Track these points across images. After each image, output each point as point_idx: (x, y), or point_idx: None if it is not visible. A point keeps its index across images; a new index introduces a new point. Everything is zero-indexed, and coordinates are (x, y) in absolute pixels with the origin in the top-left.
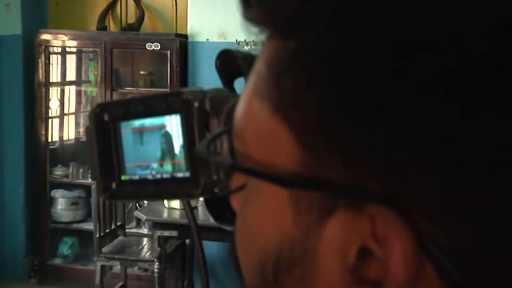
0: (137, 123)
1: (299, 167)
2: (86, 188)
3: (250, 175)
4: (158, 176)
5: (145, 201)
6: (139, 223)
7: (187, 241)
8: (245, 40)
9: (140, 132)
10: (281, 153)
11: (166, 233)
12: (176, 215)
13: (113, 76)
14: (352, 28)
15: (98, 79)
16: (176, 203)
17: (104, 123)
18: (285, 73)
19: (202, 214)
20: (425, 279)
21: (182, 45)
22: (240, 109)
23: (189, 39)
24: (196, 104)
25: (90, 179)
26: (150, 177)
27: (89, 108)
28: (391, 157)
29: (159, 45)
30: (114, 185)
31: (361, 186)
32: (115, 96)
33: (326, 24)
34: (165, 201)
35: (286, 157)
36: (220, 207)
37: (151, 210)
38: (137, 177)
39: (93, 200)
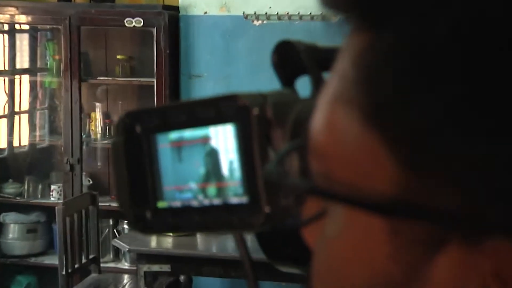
0: (175, 135)
1: (399, 191)
2: (47, 210)
3: (336, 200)
4: (206, 202)
5: (125, 226)
6: (118, 255)
7: (182, 277)
8: (255, 13)
9: (179, 147)
10: (375, 173)
11: (155, 267)
12: (168, 243)
13: (81, 62)
14: (478, 19)
15: (62, 66)
16: None
17: (136, 136)
18: (382, 73)
19: (202, 244)
20: None
21: (172, 20)
22: (319, 120)
23: (181, 13)
24: (255, 112)
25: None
26: (195, 203)
27: (47, 105)
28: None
29: (142, 21)
30: (149, 214)
31: (479, 214)
32: (84, 88)
33: (443, 11)
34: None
35: (382, 178)
36: (277, 242)
37: (134, 238)
38: (178, 204)
39: (57, 225)
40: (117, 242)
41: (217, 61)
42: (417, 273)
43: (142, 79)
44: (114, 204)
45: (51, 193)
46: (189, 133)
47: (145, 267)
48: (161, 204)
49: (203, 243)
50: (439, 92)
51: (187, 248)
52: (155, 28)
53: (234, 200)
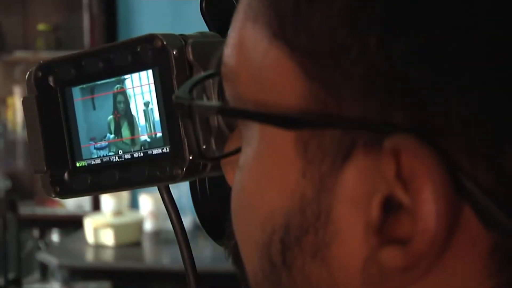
0: (90, 85)
1: (307, 103)
2: None
3: (242, 117)
4: (126, 156)
5: (54, 236)
6: (45, 273)
7: None
8: None
9: (92, 98)
10: (283, 88)
11: (93, 286)
12: (108, 256)
13: None
14: None
15: None
16: (106, 236)
17: (50, 90)
18: None
19: (149, 255)
20: (463, 228)
21: None
22: (229, 43)
23: None
24: (174, 53)
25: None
26: (115, 158)
27: None
28: (419, 75)
29: None
30: (66, 175)
31: (383, 117)
32: None
33: None
34: (89, 233)
35: (290, 92)
36: (217, 219)
37: (65, 251)
38: (97, 161)
39: None
40: (44, 257)
41: (164, 29)
42: (327, 187)
43: (71, 52)
44: (39, 210)
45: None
46: (103, 82)
47: (80, 287)
48: (80, 164)
49: (151, 254)
50: None
51: (132, 260)
52: None
53: (156, 151)
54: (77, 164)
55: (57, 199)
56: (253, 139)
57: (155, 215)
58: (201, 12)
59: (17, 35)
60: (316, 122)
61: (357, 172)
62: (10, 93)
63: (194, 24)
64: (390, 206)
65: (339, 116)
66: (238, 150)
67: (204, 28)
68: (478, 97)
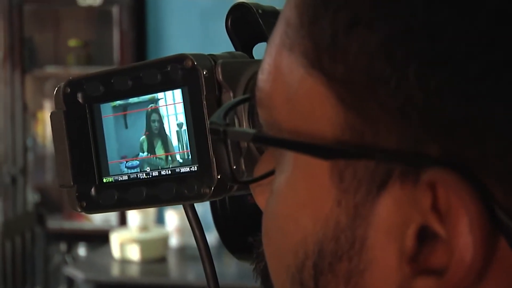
0: (119, 103)
1: (343, 132)
2: None
3: (278, 146)
4: (154, 173)
5: (81, 251)
6: (71, 287)
7: None
8: None
9: (124, 116)
10: (319, 117)
11: None
12: (133, 271)
13: (24, 49)
14: None
15: (1, 55)
16: (132, 251)
17: (78, 106)
18: (321, 15)
19: (175, 270)
20: (499, 259)
21: None
22: (264, 69)
23: None
24: (204, 73)
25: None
26: (142, 175)
27: None
28: (455, 109)
29: None
30: (93, 191)
31: (419, 149)
32: (28, 82)
33: None
34: (115, 248)
35: (326, 121)
36: (238, 233)
37: (91, 265)
38: (124, 177)
39: None
40: (70, 271)
41: (193, 46)
42: (362, 215)
43: (102, 67)
44: (67, 224)
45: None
46: (134, 100)
47: None
48: (107, 179)
49: (177, 270)
50: (378, 26)
51: (157, 276)
52: (116, 6)
53: (184, 169)
54: (104, 180)
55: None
56: (288, 166)
57: (181, 231)
58: (226, 29)
59: (49, 51)
60: (352, 152)
61: (392, 202)
62: (41, 107)
63: (224, 41)
64: (424, 237)
65: (375, 147)
66: (269, 174)
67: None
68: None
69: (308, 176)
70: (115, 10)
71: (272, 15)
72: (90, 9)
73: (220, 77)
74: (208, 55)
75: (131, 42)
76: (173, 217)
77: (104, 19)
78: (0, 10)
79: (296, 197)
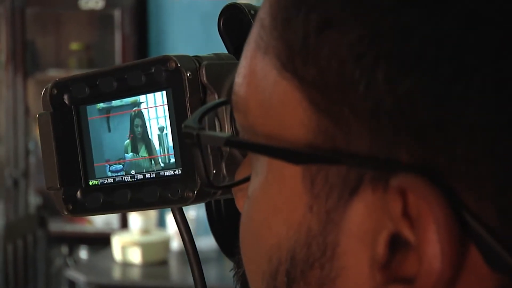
0: (103, 105)
1: (315, 136)
2: None
3: (250, 150)
4: (139, 176)
5: (82, 253)
6: None
7: None
8: None
9: (108, 118)
10: (292, 121)
11: None
12: (135, 274)
13: (26, 53)
14: None
15: (3, 58)
16: (134, 254)
17: (64, 107)
18: (293, 17)
19: (176, 273)
20: (470, 269)
21: (139, 0)
22: (240, 72)
23: None
24: (188, 75)
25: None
26: (127, 178)
27: None
28: (425, 113)
29: (101, 1)
30: (79, 194)
31: (390, 154)
32: (30, 85)
33: None
34: (116, 251)
35: (299, 125)
36: (234, 236)
37: (93, 268)
38: (110, 180)
39: None
40: (72, 274)
41: (195, 49)
42: (334, 221)
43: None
44: (68, 227)
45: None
46: (117, 103)
47: None
48: (92, 182)
49: (178, 273)
50: (350, 27)
51: (159, 279)
52: (118, 9)
53: (167, 172)
54: (90, 183)
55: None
56: (262, 170)
57: None
58: (218, 30)
59: (50, 54)
60: (324, 157)
61: (363, 207)
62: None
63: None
64: (396, 244)
65: (346, 152)
66: (248, 179)
67: None
68: (483, 137)
69: (281, 181)
70: (117, 14)
71: None
72: (92, 12)
73: (205, 79)
74: (193, 56)
75: (133, 45)
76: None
77: (106, 22)
78: (3, 14)
79: (270, 202)
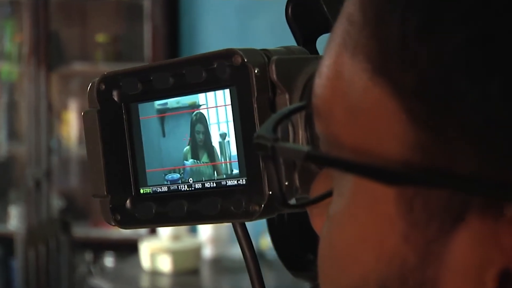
0: (159, 104)
1: (412, 153)
2: (4, 240)
3: (336, 167)
4: (198, 185)
5: (107, 261)
6: None
7: None
8: None
9: (162, 118)
10: (385, 134)
11: None
12: (164, 283)
13: (50, 45)
14: None
15: (26, 50)
16: (163, 262)
17: (113, 105)
18: (388, 13)
19: (208, 282)
20: None
21: None
22: (322, 72)
23: None
24: (256, 71)
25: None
26: (184, 187)
27: (5, 102)
28: None
29: None
30: (128, 203)
31: (503, 178)
32: (54, 79)
33: None
34: (144, 258)
35: (393, 140)
36: (297, 249)
37: (119, 276)
38: (164, 188)
39: (17, 260)
40: (97, 283)
41: (229, 43)
42: (434, 254)
43: (132, 64)
44: (93, 232)
45: (9, 218)
46: (175, 101)
47: None
48: (144, 190)
49: (210, 283)
50: (453, 32)
51: None
52: (147, 0)
53: (230, 182)
54: (141, 191)
55: None
56: (347, 189)
57: (215, 241)
58: (286, 18)
59: (75, 46)
60: (423, 178)
61: (470, 239)
62: (65, 107)
63: (262, 37)
64: (507, 279)
65: (450, 173)
66: (326, 195)
67: (272, 42)
68: None
69: (371, 204)
70: (146, 4)
71: (339, 0)
72: (119, 2)
73: (274, 76)
74: (261, 50)
75: (163, 38)
76: (207, 226)
77: (135, 13)
78: (25, 3)
79: (356, 228)
